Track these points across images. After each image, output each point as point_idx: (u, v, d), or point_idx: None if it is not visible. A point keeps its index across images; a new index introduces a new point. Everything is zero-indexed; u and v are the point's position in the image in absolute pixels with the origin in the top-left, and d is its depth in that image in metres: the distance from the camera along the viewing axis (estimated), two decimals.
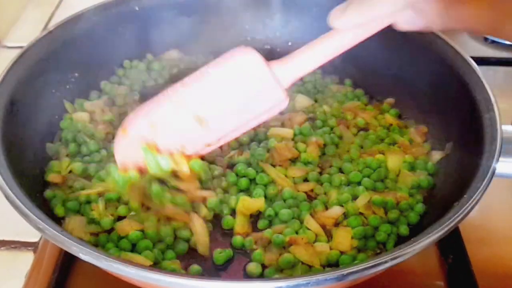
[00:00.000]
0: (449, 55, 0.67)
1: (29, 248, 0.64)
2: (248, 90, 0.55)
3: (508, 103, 0.65)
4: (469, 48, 0.95)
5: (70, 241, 0.46)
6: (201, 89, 0.55)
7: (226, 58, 0.55)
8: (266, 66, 0.54)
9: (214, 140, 0.57)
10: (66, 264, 0.61)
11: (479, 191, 0.50)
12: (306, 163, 0.67)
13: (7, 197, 0.50)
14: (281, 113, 0.74)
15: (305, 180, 0.66)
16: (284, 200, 0.63)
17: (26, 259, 0.63)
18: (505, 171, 0.54)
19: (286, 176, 0.65)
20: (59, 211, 0.60)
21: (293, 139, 0.70)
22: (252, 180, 0.65)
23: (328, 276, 0.43)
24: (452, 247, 0.62)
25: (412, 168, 0.66)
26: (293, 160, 0.68)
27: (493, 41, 0.97)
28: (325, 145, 0.69)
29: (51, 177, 0.64)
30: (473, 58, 0.66)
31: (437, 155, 0.66)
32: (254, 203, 0.62)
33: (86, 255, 0.45)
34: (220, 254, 0.57)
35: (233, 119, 0.56)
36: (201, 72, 0.56)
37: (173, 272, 0.43)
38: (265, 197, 0.63)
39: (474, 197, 0.49)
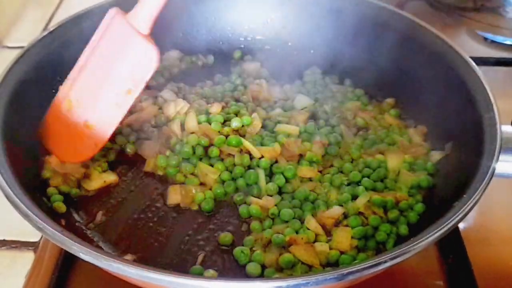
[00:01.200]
0: (449, 55, 0.67)
1: (30, 248, 0.64)
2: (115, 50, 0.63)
3: (507, 103, 0.65)
4: (469, 48, 0.95)
5: (70, 240, 0.46)
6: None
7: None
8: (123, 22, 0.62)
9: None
10: (67, 263, 0.61)
11: (478, 191, 0.50)
12: (311, 162, 0.67)
13: (7, 196, 0.50)
14: (284, 111, 0.74)
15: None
16: (292, 199, 0.63)
17: (27, 258, 0.63)
18: (505, 171, 0.54)
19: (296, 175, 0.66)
20: (59, 206, 0.61)
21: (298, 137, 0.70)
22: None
23: (327, 276, 0.43)
24: (452, 247, 0.62)
25: (411, 168, 0.66)
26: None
27: (492, 41, 0.97)
28: (329, 144, 0.69)
29: (54, 182, 0.64)
30: (472, 58, 0.66)
31: (436, 155, 0.66)
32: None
33: (86, 254, 0.45)
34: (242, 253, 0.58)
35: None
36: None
37: (172, 272, 0.43)
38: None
39: (473, 197, 0.49)
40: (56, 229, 0.47)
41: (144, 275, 0.43)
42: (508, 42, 0.97)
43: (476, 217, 0.68)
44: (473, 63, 0.64)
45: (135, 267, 0.44)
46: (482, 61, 0.72)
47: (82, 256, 0.45)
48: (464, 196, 0.50)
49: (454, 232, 0.63)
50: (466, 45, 0.96)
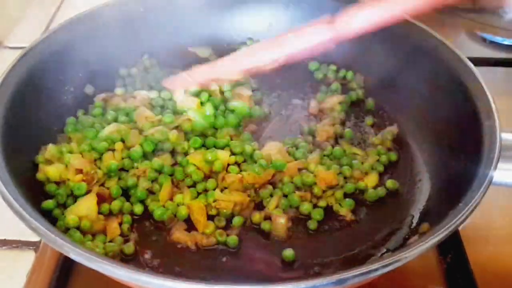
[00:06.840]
0: (451, 61, 0.66)
1: (31, 247, 0.64)
2: None
3: (507, 104, 0.65)
4: (468, 48, 0.95)
5: (61, 241, 0.46)
6: None
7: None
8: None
9: None
10: (67, 263, 0.61)
11: (474, 199, 0.50)
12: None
13: (2, 195, 0.50)
14: None
15: None
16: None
17: (27, 258, 0.63)
18: (503, 179, 0.53)
19: None
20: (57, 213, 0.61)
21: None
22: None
23: (326, 281, 0.43)
24: (451, 247, 0.62)
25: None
26: None
27: (491, 42, 0.97)
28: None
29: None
30: (471, 59, 0.65)
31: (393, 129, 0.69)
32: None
33: (78, 255, 0.45)
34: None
35: None
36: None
37: (163, 274, 0.42)
38: None
39: (469, 206, 0.49)
40: (49, 229, 0.47)
41: (134, 277, 0.43)
42: (507, 43, 0.96)
43: (476, 217, 0.67)
44: (474, 69, 0.63)
45: (126, 269, 0.43)
46: (481, 62, 0.71)
47: (73, 256, 0.45)
48: (460, 204, 0.50)
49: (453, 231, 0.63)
50: (465, 46, 0.96)
